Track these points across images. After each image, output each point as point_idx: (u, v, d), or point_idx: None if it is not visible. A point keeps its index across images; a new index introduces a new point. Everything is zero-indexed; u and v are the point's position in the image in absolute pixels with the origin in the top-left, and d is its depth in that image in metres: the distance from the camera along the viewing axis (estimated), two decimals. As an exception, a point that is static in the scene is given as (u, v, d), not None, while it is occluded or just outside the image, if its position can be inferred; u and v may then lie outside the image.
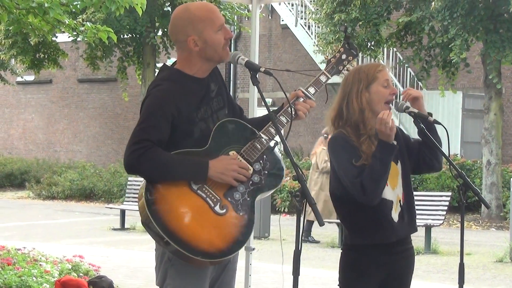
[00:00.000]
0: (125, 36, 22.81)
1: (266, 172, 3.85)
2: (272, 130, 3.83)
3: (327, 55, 4.15)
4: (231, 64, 26.50)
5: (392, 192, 4.10)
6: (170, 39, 22.36)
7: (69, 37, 8.97)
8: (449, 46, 18.40)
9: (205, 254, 3.65)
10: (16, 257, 8.62)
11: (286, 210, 19.90)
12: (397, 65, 22.88)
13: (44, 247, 11.20)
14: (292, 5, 26.16)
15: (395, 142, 4.08)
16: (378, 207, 4.04)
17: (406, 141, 4.21)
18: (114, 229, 16.80)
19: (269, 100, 24.67)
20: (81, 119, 32.12)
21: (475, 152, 21.95)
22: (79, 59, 25.29)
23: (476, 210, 19.29)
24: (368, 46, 20.54)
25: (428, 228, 13.56)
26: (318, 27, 23.58)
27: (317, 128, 26.44)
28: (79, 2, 7.82)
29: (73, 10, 8.33)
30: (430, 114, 4.16)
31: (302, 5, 25.89)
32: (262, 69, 3.81)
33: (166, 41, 23.21)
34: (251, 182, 3.80)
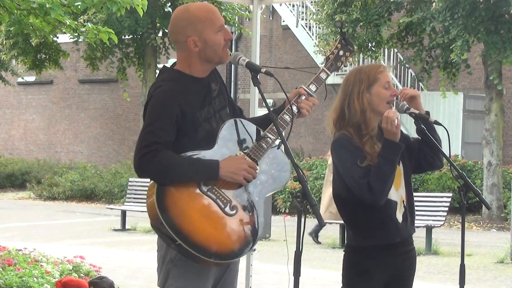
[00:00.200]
0: (126, 37, 22.83)
1: (273, 171, 3.86)
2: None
3: (326, 53, 4.15)
4: (232, 65, 26.45)
5: (396, 192, 4.10)
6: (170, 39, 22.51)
7: (70, 38, 8.97)
8: (450, 47, 18.40)
9: (218, 255, 3.67)
10: (17, 258, 8.62)
11: (287, 211, 19.90)
12: (398, 64, 22.89)
13: (45, 247, 11.20)
14: (293, 6, 26.17)
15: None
16: (383, 208, 4.03)
17: (406, 141, 4.20)
18: (115, 230, 16.79)
19: (270, 101, 24.71)
20: (82, 119, 32.13)
21: (476, 153, 21.94)
22: (80, 60, 25.31)
23: (477, 211, 19.29)
24: (369, 47, 20.54)
25: (429, 229, 13.55)
26: (319, 28, 23.57)
27: (317, 129, 26.43)
28: (80, 3, 7.82)
29: (74, 11, 8.32)
30: (428, 113, 4.16)
31: (303, 6, 25.90)
32: (263, 70, 3.80)
33: (167, 42, 23.22)
34: (258, 181, 3.82)
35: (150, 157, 3.66)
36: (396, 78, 23.77)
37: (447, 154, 4.13)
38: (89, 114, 31.95)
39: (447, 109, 22.48)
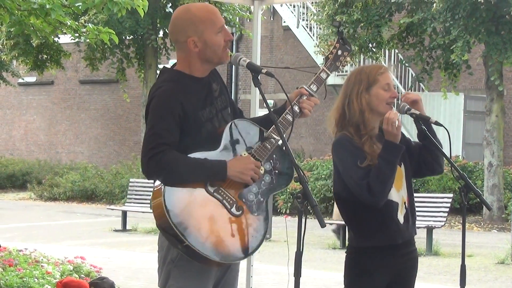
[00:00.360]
0: (127, 38, 22.84)
1: (277, 171, 3.88)
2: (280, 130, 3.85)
3: (326, 53, 4.16)
4: (233, 66, 26.52)
5: (397, 194, 4.11)
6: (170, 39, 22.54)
7: (71, 38, 8.97)
8: (451, 48, 18.40)
9: (225, 256, 3.69)
10: (18, 258, 8.62)
11: (287, 211, 19.90)
12: (399, 64, 22.89)
13: (46, 248, 11.20)
14: (294, 6, 26.17)
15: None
16: (384, 209, 4.04)
17: (407, 144, 4.20)
18: (116, 231, 16.80)
19: (270, 102, 24.71)
20: (83, 120, 32.14)
21: (477, 153, 21.93)
22: (81, 61, 25.33)
23: (478, 212, 19.28)
24: (370, 48, 20.53)
25: (429, 230, 13.55)
26: (320, 28, 23.58)
27: (318, 130, 26.43)
28: (81, 4, 7.82)
29: (75, 11, 8.33)
30: (428, 118, 4.18)
31: (303, 7, 25.90)
32: (264, 71, 3.81)
33: (168, 43, 23.22)
34: (263, 182, 3.83)
35: (158, 158, 3.66)
36: (397, 78, 23.77)
37: (448, 155, 4.13)
38: (89, 115, 31.96)
39: (447, 110, 22.47)
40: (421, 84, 21.88)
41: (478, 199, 4.08)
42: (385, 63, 22.54)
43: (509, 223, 18.29)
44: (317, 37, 24.68)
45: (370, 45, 20.55)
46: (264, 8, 21.28)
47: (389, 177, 3.98)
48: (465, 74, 19.76)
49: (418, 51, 19.80)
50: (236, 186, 3.76)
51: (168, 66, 4.02)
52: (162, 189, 3.67)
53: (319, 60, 23.68)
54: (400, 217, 4.10)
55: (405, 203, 4.14)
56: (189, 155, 3.71)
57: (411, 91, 23.99)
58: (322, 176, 20.51)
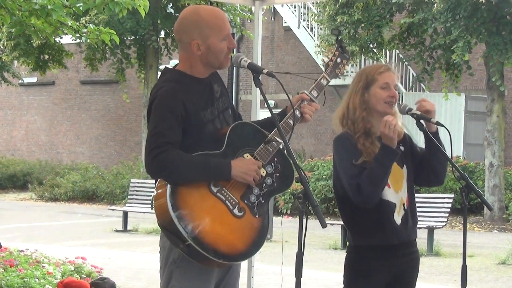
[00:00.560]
0: (128, 38, 22.85)
1: (278, 174, 3.90)
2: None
3: (327, 56, 4.19)
4: (234, 66, 26.44)
5: (396, 195, 4.12)
6: (173, 38, 22.59)
7: (72, 39, 8.98)
8: (452, 48, 18.40)
9: (226, 256, 3.70)
10: (19, 259, 8.63)
11: (288, 212, 19.90)
12: (400, 63, 22.87)
13: (47, 248, 11.21)
14: (295, 7, 26.18)
15: (402, 148, 4.13)
16: (380, 209, 4.05)
17: (413, 149, 4.23)
18: (117, 231, 16.80)
19: (271, 102, 24.72)
20: (84, 120, 32.15)
21: (478, 154, 21.94)
22: (82, 61, 25.34)
23: (479, 212, 19.28)
24: (370, 48, 20.53)
25: (430, 230, 13.55)
26: (321, 29, 23.58)
27: (319, 130, 26.43)
28: (82, 4, 7.83)
29: (76, 12, 8.33)
30: (429, 118, 4.18)
31: (304, 7, 25.90)
32: (265, 71, 3.82)
33: (169, 43, 23.23)
34: (264, 184, 3.85)
35: (163, 157, 3.67)
36: (398, 79, 23.74)
37: (449, 155, 4.14)
38: (90, 115, 31.97)
39: (448, 110, 22.47)
40: (422, 84, 21.88)
41: (479, 200, 4.09)
42: (386, 63, 22.50)
43: (510, 223, 18.30)
44: (318, 37, 24.69)
45: (371, 45, 20.55)
46: (265, 9, 21.28)
47: (381, 180, 3.99)
48: (466, 75, 19.76)
49: (419, 51, 19.80)
50: (238, 188, 3.78)
51: (170, 66, 4.04)
52: (166, 188, 3.68)
53: (320, 60, 23.70)
54: (397, 218, 4.11)
55: (404, 204, 4.15)
56: (193, 154, 3.72)
57: (412, 91, 24.01)
58: (323, 176, 20.51)
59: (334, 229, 14.90)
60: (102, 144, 31.66)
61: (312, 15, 23.53)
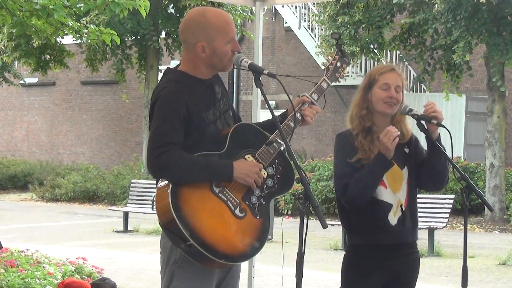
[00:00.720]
0: (129, 39, 22.85)
1: (279, 176, 3.91)
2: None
3: (328, 58, 4.22)
4: (234, 67, 26.40)
5: (393, 195, 4.13)
6: (174, 38, 22.61)
7: (73, 40, 8.99)
8: (452, 48, 18.39)
9: (228, 257, 3.70)
10: (19, 259, 8.64)
11: (289, 212, 19.90)
12: (400, 63, 22.87)
13: (47, 249, 11.21)
14: (296, 7, 26.17)
15: (407, 150, 4.17)
16: (374, 209, 4.09)
17: (418, 152, 4.25)
18: (117, 231, 16.80)
19: (272, 103, 24.71)
20: (84, 121, 32.15)
21: (478, 154, 21.93)
22: (82, 62, 25.35)
23: (480, 213, 19.27)
24: (371, 49, 20.52)
25: (431, 231, 13.55)
26: (322, 29, 23.58)
27: (320, 131, 26.43)
28: (82, 5, 7.83)
29: (77, 12, 8.33)
30: (430, 119, 4.19)
31: (305, 8, 25.90)
32: (266, 72, 3.83)
33: (170, 44, 23.23)
34: (265, 186, 3.86)
35: (165, 157, 3.67)
36: (403, 80, 23.74)
37: (450, 156, 4.15)
38: (91, 116, 31.97)
39: (449, 111, 22.47)
40: (422, 85, 21.88)
41: (480, 200, 4.10)
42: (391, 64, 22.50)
43: (511, 224, 18.29)
44: (318, 38, 24.68)
45: (372, 46, 20.55)
46: (266, 9, 21.28)
47: (369, 186, 4.03)
48: (466, 75, 19.76)
49: (419, 52, 19.80)
50: (240, 189, 3.78)
51: (171, 66, 4.04)
52: (168, 188, 3.68)
53: (321, 61, 23.68)
54: (393, 219, 4.13)
55: (401, 206, 4.15)
56: (195, 155, 3.73)
57: (413, 92, 24.00)
58: (324, 177, 20.51)
59: (335, 230, 14.90)
60: (102, 145, 31.66)
61: (313, 15, 23.52)
